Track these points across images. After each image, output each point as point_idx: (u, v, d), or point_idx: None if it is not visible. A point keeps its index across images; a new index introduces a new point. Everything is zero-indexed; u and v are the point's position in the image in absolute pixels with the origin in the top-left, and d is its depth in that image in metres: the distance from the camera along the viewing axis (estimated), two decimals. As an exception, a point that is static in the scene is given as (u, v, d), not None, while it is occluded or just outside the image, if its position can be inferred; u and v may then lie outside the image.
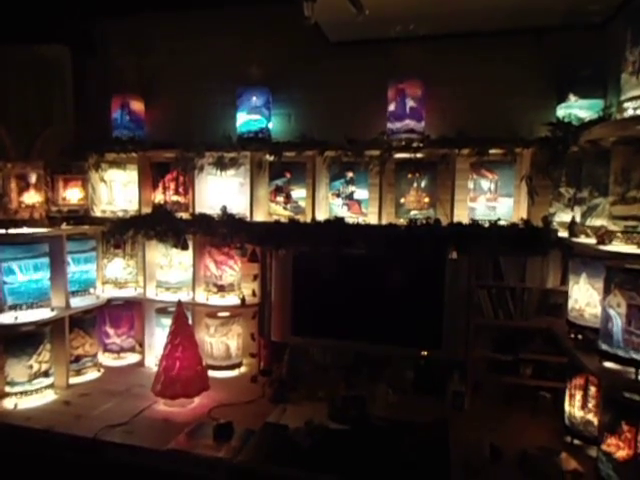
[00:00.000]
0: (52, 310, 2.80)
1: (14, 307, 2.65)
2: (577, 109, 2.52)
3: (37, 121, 3.18)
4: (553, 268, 2.60)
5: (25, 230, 2.73)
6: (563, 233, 2.39)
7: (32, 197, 2.79)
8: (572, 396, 2.25)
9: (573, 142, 2.27)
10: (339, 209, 2.89)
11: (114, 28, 3.40)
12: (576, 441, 2.21)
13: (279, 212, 2.99)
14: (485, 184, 2.70)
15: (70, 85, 3.35)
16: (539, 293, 2.65)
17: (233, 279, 3.09)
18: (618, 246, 1.86)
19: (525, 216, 2.60)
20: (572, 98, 2.54)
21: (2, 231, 2.65)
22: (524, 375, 2.62)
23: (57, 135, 3.13)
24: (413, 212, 2.77)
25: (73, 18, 3.33)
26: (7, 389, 2.62)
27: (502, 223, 2.58)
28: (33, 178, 2.80)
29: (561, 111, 2.58)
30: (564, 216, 2.43)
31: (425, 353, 2.69)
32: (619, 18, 2.37)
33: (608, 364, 1.91)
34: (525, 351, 2.61)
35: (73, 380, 2.91)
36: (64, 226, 2.97)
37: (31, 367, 2.64)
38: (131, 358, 3.29)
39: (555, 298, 2.62)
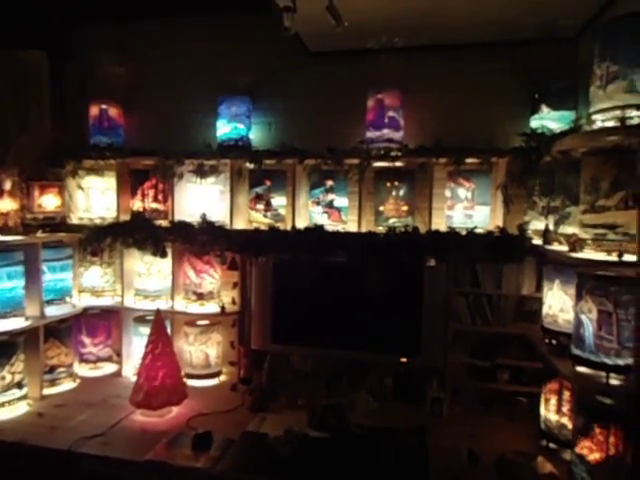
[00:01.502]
0: (26, 319, 2.74)
1: (-14, 317, 2.59)
2: (549, 120, 2.59)
3: (13, 127, 3.13)
4: (528, 275, 2.65)
5: (-1, 238, 2.68)
6: (537, 241, 2.45)
7: (6, 204, 2.74)
8: (547, 400, 2.29)
9: (546, 152, 2.33)
10: (319, 217, 2.91)
11: (93, 34, 3.37)
12: (551, 445, 2.25)
13: (259, 220, 2.99)
14: (462, 192, 2.75)
15: (47, 91, 3.30)
16: (515, 300, 2.71)
17: (213, 287, 3.07)
18: (589, 253, 1.91)
19: (501, 224, 2.66)
20: (545, 109, 2.61)
21: (-25, 239, 2.59)
22: (501, 380, 2.67)
23: (33, 141, 3.08)
24: (392, 220, 2.81)
25: (51, 24, 3.30)
26: (-22, 401, 2.55)
27: (479, 231, 2.63)
28: (8, 185, 2.75)
29: (534, 122, 2.65)
30: (538, 224, 2.48)
31: (405, 360, 2.71)
32: (588, 33, 2.46)
33: (581, 369, 1.96)
34: (502, 357, 2.65)
35: (47, 391, 2.84)
36: (40, 234, 2.91)
37: (4, 378, 2.57)
38: (108, 368, 3.23)
39: (530, 304, 2.68)
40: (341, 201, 2.89)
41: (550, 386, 2.28)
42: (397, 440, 2.29)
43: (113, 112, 3.19)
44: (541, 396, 2.35)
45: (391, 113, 2.74)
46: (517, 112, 2.79)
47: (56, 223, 3.04)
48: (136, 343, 3.10)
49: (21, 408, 2.62)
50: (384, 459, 2.14)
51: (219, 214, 3.02)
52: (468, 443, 2.24)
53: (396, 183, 2.80)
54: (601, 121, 1.82)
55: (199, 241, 2.92)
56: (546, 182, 2.42)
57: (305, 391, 2.75)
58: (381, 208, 2.83)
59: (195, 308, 3.04)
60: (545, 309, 2.36)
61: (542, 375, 2.39)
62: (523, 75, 2.77)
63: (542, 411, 2.33)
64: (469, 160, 2.68)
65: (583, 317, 1.92)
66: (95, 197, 3.24)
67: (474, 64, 2.86)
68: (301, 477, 2.04)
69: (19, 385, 2.64)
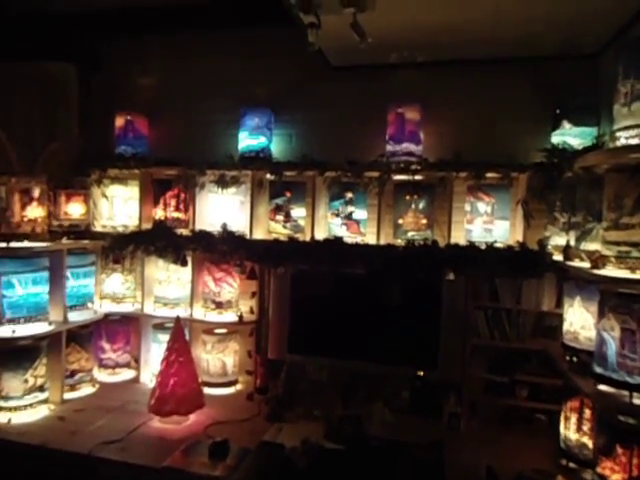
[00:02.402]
0: (50, 324, 2.80)
1: (12, 321, 2.65)
2: (570, 137, 2.58)
3: (41, 136, 3.22)
4: (548, 291, 2.63)
5: (26, 244, 2.75)
6: (558, 256, 2.43)
7: (35, 211, 2.82)
8: (567, 419, 2.26)
9: (568, 168, 2.32)
10: (338, 229, 2.93)
11: (120, 47, 3.47)
12: (571, 464, 2.21)
13: (278, 230, 3.02)
14: (482, 207, 2.75)
15: (75, 101, 3.41)
16: (534, 315, 2.69)
17: (231, 296, 3.10)
18: (612, 270, 1.89)
19: (521, 239, 2.65)
20: (566, 125, 2.61)
21: (3, 245, 2.67)
22: (520, 397, 2.64)
23: (61, 150, 3.18)
24: (411, 233, 2.81)
25: (80, 37, 3.41)
26: (1, 403, 2.60)
27: (498, 245, 2.62)
28: (36, 192, 2.83)
29: (555, 138, 2.64)
30: (559, 240, 2.47)
31: (421, 373, 2.70)
32: (610, 50, 2.46)
33: (602, 387, 1.93)
34: (521, 373, 2.63)
35: (68, 395, 2.89)
36: (65, 240, 2.99)
37: (27, 381, 2.63)
38: (126, 374, 3.27)
39: (550, 320, 2.65)
40: (360, 213, 2.91)
41: (570, 404, 2.25)
42: (414, 454, 2.27)
43: (138, 123, 3.27)
44: (561, 414, 2.32)
45: (411, 127, 2.76)
46: (538, 127, 2.78)
47: (81, 230, 3.12)
48: (154, 350, 3.14)
49: (42, 411, 2.67)
50: (401, 473, 2.13)
51: (239, 224, 3.06)
52: (486, 460, 2.22)
53: (416, 196, 2.81)
54: (625, 138, 1.82)
55: (219, 250, 2.96)
56: (567, 198, 2.41)
57: (321, 401, 2.75)
58: (400, 221, 2.85)
59: (213, 316, 3.08)
60: (566, 326, 2.34)
61: (562, 392, 2.36)
62: (544, 91, 2.78)
63: (562, 429, 2.29)
64: (489, 175, 2.68)
65: (605, 335, 1.90)
66: (119, 205, 3.31)
67: (495, 79, 2.87)
68: (317, 489, 2.04)
69: (41, 389, 2.70)
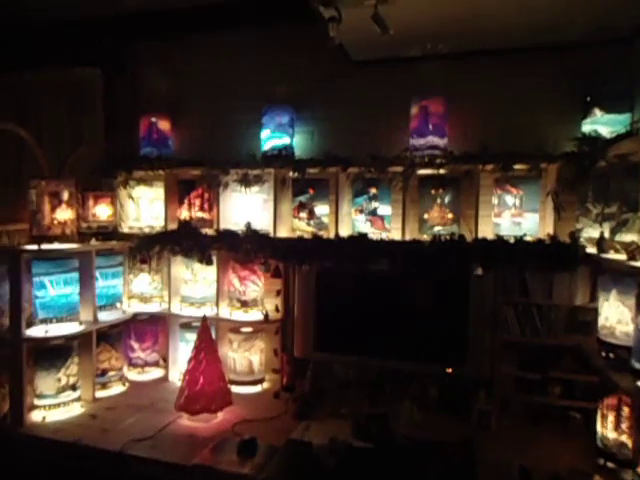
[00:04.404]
0: (80, 324, 2.85)
1: (44, 321, 2.72)
2: (601, 125, 2.49)
3: (69, 140, 3.30)
4: (581, 284, 2.55)
5: (57, 246, 2.81)
6: (591, 249, 2.35)
7: (64, 213, 2.88)
8: (604, 417, 2.18)
9: (600, 157, 2.24)
10: (362, 225, 2.90)
11: (144, 49, 3.51)
12: (609, 464, 2.14)
13: (302, 228, 3.01)
14: (510, 199, 2.68)
15: (101, 105, 3.47)
16: (567, 310, 2.60)
17: (256, 295, 3.11)
18: (650, 262, 1.82)
19: (551, 231, 2.57)
20: (598, 113, 2.52)
21: (35, 247, 2.73)
22: (553, 394, 2.56)
23: (88, 153, 3.24)
24: (437, 228, 2.76)
25: (104, 40, 3.47)
26: (36, 402, 2.67)
27: (528, 239, 2.55)
28: (65, 195, 2.89)
29: (586, 126, 2.56)
30: (592, 232, 2.39)
31: (450, 370, 2.65)
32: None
33: (642, 384, 1.86)
34: (554, 370, 2.55)
35: (99, 394, 2.95)
36: (93, 242, 3.05)
37: (59, 380, 2.70)
38: (155, 373, 3.32)
39: (584, 315, 2.57)
40: (385, 209, 2.87)
41: (607, 401, 2.17)
42: (444, 452, 2.23)
43: (162, 124, 3.30)
44: (597, 412, 2.24)
45: (435, 120, 2.71)
46: (566, 116, 2.70)
47: (108, 232, 3.17)
48: (182, 349, 3.17)
49: (75, 409, 2.74)
50: (431, 472, 2.09)
51: (263, 222, 3.07)
52: (518, 459, 2.16)
53: (441, 190, 2.76)
54: (662, 124, 1.74)
55: (244, 249, 2.97)
56: (600, 188, 2.33)
57: (348, 400, 2.74)
58: (425, 216, 2.80)
59: (239, 315, 3.09)
60: (601, 320, 2.26)
61: (597, 390, 2.29)
62: (572, 78, 2.68)
63: (598, 428, 2.22)
64: (517, 166, 2.61)
65: (644, 329, 1.82)
66: (144, 207, 3.36)
67: (520, 68, 2.79)
68: (347, 487, 2.02)
69: (73, 387, 2.76)
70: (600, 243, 2.20)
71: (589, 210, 2.44)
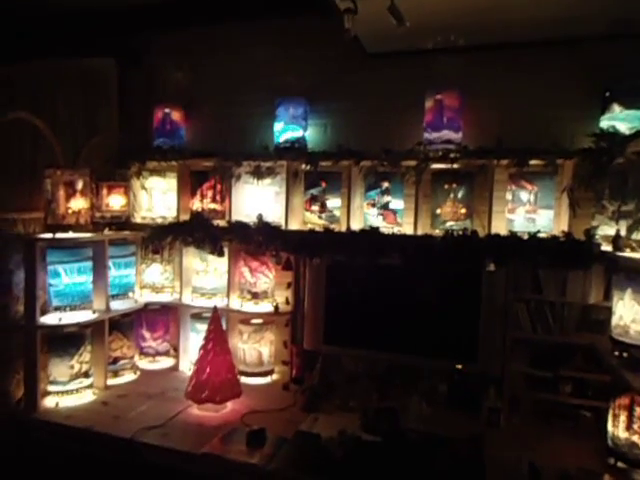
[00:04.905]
0: (94, 312, 2.89)
1: (58, 308, 2.75)
2: (620, 121, 2.44)
3: (84, 131, 3.32)
4: (596, 283, 2.51)
5: (71, 235, 2.85)
6: (606, 247, 2.32)
7: (78, 203, 2.90)
8: (616, 416, 2.16)
9: (619, 153, 2.20)
10: (374, 219, 2.89)
11: (158, 40, 3.52)
12: (620, 463, 2.12)
13: (314, 221, 3.01)
14: (524, 195, 2.65)
15: (115, 96, 3.48)
16: (580, 308, 2.57)
17: (267, 286, 3.12)
18: (667, 261, 1.79)
19: (566, 228, 2.54)
20: (617, 109, 2.47)
21: (49, 235, 2.77)
22: (563, 393, 2.54)
23: (102, 144, 3.26)
24: (449, 223, 2.75)
25: (119, 31, 3.48)
26: (49, 388, 2.71)
27: (542, 235, 2.52)
28: (80, 185, 2.92)
29: (604, 122, 2.51)
30: (607, 229, 2.36)
31: (460, 366, 2.64)
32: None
33: (656, 384, 1.84)
34: (565, 368, 2.53)
35: (111, 381, 2.98)
36: (107, 231, 3.08)
37: (72, 367, 2.74)
38: (165, 362, 3.35)
39: (597, 314, 2.54)
40: (397, 203, 2.86)
41: (620, 401, 2.15)
42: (453, 448, 2.23)
43: (175, 115, 3.31)
44: (608, 411, 2.22)
45: (450, 114, 2.69)
46: (583, 112, 2.64)
47: (121, 222, 3.20)
48: (192, 339, 3.20)
49: (87, 396, 2.78)
50: (439, 467, 2.09)
51: (275, 215, 3.07)
52: (528, 456, 2.15)
53: (454, 185, 2.74)
54: (684, 120, 1.71)
55: (255, 241, 2.97)
56: (617, 185, 2.29)
57: (357, 393, 2.74)
58: (438, 211, 2.78)
59: (250, 307, 3.10)
60: (615, 319, 2.23)
61: (609, 389, 2.26)
62: (590, 73, 2.63)
63: (610, 427, 2.20)
64: (532, 162, 2.57)
65: (660, 329, 1.80)
66: (157, 197, 3.38)
67: (537, 62, 2.75)
68: (354, 480, 2.03)
69: (86, 374, 2.80)
70: (616, 241, 2.17)
71: (605, 207, 2.40)
